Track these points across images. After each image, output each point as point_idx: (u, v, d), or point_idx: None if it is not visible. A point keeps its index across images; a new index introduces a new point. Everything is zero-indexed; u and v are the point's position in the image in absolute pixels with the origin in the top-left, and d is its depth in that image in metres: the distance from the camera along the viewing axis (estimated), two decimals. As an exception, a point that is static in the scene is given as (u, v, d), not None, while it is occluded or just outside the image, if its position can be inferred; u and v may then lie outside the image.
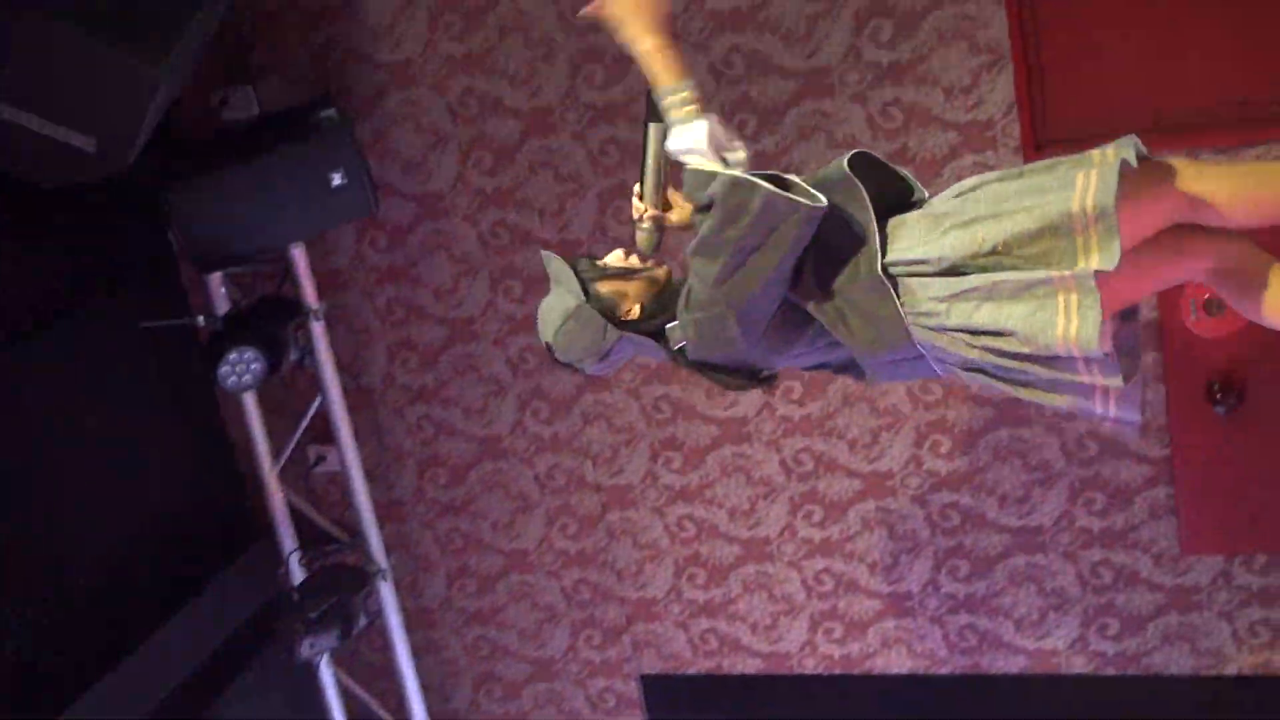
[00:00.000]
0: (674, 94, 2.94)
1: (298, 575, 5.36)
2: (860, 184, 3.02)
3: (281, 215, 4.69)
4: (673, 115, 2.94)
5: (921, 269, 2.99)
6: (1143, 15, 4.13)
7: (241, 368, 4.69)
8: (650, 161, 3.13)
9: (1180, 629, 4.77)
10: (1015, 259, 2.91)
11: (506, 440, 5.27)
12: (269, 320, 4.92)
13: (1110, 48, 4.20)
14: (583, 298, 3.19)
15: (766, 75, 4.51)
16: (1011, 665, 5.00)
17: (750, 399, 4.91)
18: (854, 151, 3.11)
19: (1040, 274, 2.86)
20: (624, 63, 4.63)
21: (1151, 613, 4.79)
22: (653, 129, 3.06)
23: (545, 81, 4.74)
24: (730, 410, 4.96)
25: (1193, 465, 4.52)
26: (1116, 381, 2.93)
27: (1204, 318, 4.28)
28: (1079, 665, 4.92)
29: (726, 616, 5.29)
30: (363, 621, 5.20)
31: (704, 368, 3.25)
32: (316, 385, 5.19)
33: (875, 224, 3.01)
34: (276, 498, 5.34)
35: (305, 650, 4.99)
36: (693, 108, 2.93)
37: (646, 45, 2.96)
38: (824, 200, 2.88)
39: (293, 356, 4.98)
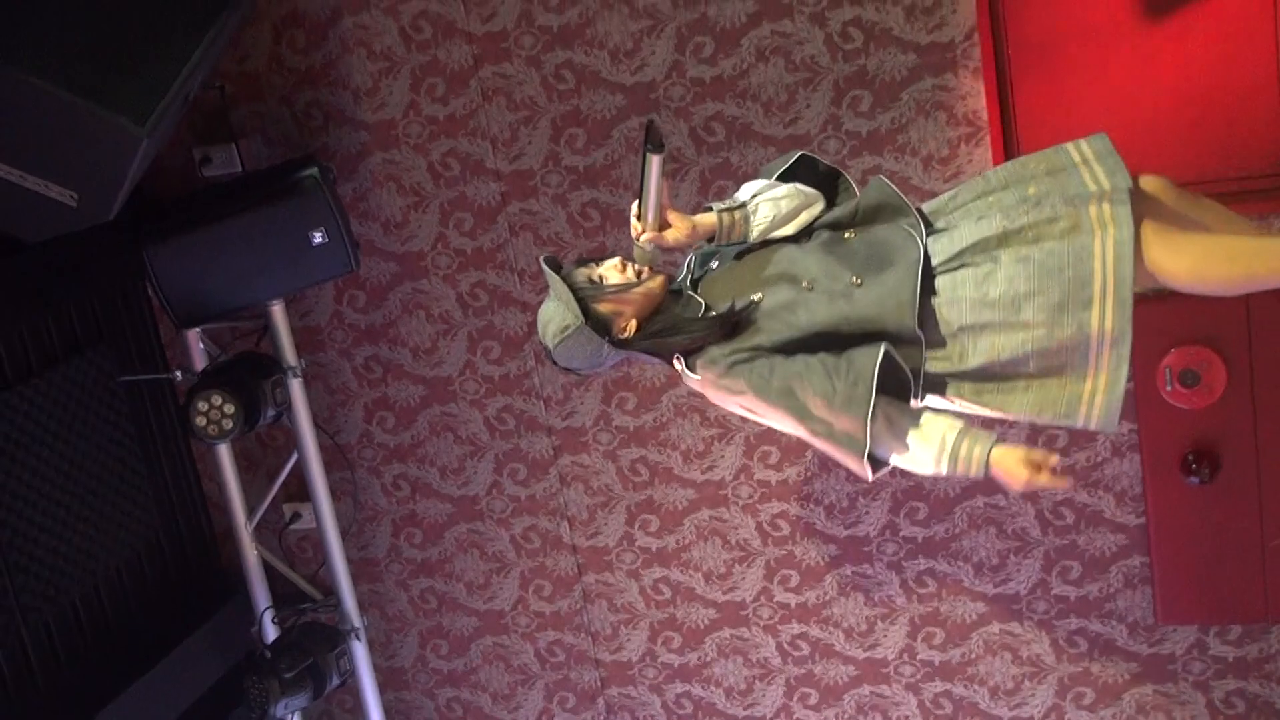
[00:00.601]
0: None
1: (271, 633, 5.33)
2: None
3: (261, 272, 4.70)
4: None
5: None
6: (1117, 89, 4.18)
7: (215, 414, 4.69)
8: (651, 187, 3.19)
9: (1155, 699, 4.76)
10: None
11: (483, 501, 5.26)
12: (246, 376, 4.91)
13: (1086, 121, 4.24)
14: (581, 318, 3.22)
15: (747, 142, 4.55)
16: (987, 733, 4.99)
17: (727, 463, 4.91)
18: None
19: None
20: (605, 127, 4.66)
21: (1127, 682, 4.78)
22: (653, 158, 3.12)
23: (527, 145, 4.77)
24: (708, 474, 4.96)
25: (1168, 535, 4.53)
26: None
27: (1180, 389, 4.30)
28: (1054, 734, 4.92)
29: (701, 680, 5.26)
30: (335, 681, 5.16)
31: None
32: (292, 442, 5.17)
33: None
34: (250, 555, 5.32)
35: (277, 710, 4.95)
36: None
37: None
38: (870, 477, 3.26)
39: (269, 413, 4.96)
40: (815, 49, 4.40)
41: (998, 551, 4.75)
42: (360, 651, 5.32)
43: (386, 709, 5.49)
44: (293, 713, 5.13)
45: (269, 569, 5.37)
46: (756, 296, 3.28)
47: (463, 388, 5.14)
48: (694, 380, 3.33)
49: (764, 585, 5.05)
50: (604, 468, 5.08)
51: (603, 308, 3.26)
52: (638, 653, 5.30)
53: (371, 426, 5.29)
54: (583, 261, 3.35)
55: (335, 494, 5.30)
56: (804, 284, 3.25)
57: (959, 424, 3.20)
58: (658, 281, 3.30)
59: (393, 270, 5.06)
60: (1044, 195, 3.24)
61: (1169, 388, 4.30)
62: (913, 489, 4.75)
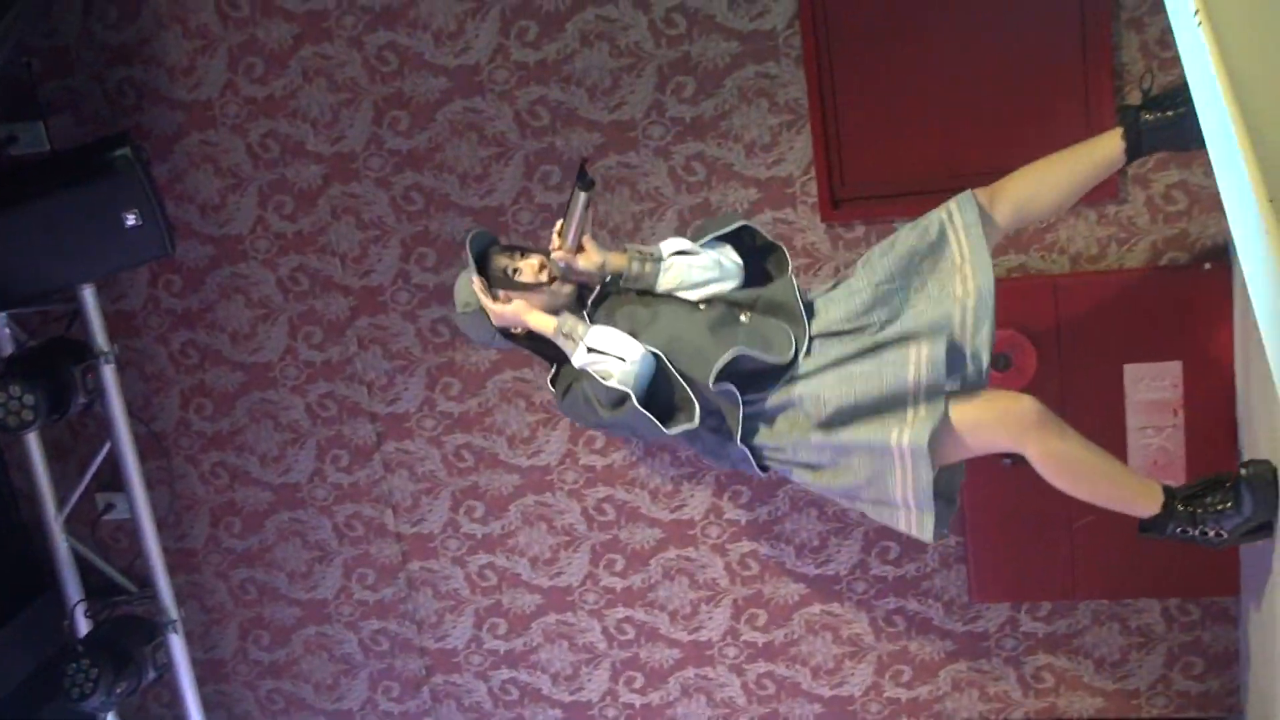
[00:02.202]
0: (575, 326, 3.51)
1: (83, 627, 5.18)
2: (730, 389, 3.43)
3: (71, 255, 4.56)
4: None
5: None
6: (935, 79, 4.27)
7: (15, 405, 4.53)
8: (575, 217, 3.45)
9: (970, 675, 4.89)
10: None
11: (305, 488, 5.18)
12: (54, 363, 4.75)
13: (905, 109, 4.32)
14: (478, 304, 3.58)
15: (571, 127, 4.54)
16: (808, 712, 5.06)
17: (553, 448, 4.91)
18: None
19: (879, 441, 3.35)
20: (428, 110, 4.62)
21: (943, 659, 4.90)
22: (580, 194, 3.40)
23: (349, 127, 4.70)
24: (533, 459, 4.95)
25: (981, 516, 4.64)
26: (928, 529, 3.44)
27: (993, 372, 4.40)
28: (874, 712, 5.01)
29: (528, 666, 5.26)
30: (151, 674, 5.06)
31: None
32: (105, 430, 5.02)
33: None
34: (61, 546, 5.16)
35: (90, 705, 4.82)
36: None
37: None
38: (675, 431, 3.42)
39: (80, 401, 4.81)
40: (640, 34, 4.41)
41: (818, 533, 4.83)
42: (177, 644, 5.20)
43: (205, 702, 5.37)
44: (107, 709, 4.99)
45: (81, 561, 5.21)
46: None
47: (283, 374, 5.05)
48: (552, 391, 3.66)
49: (590, 570, 5.06)
50: (428, 454, 5.04)
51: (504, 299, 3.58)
52: (463, 640, 5.27)
53: (188, 414, 5.17)
54: (509, 249, 3.62)
55: (151, 483, 5.16)
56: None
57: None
58: (564, 292, 3.58)
59: (210, 254, 4.95)
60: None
61: (983, 372, 4.41)
62: (736, 475, 4.81)
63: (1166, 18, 3.43)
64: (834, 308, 3.55)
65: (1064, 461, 3.48)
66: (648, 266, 3.54)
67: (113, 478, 5.13)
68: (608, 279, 3.62)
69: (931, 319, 3.40)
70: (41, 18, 4.63)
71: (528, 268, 3.56)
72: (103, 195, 4.46)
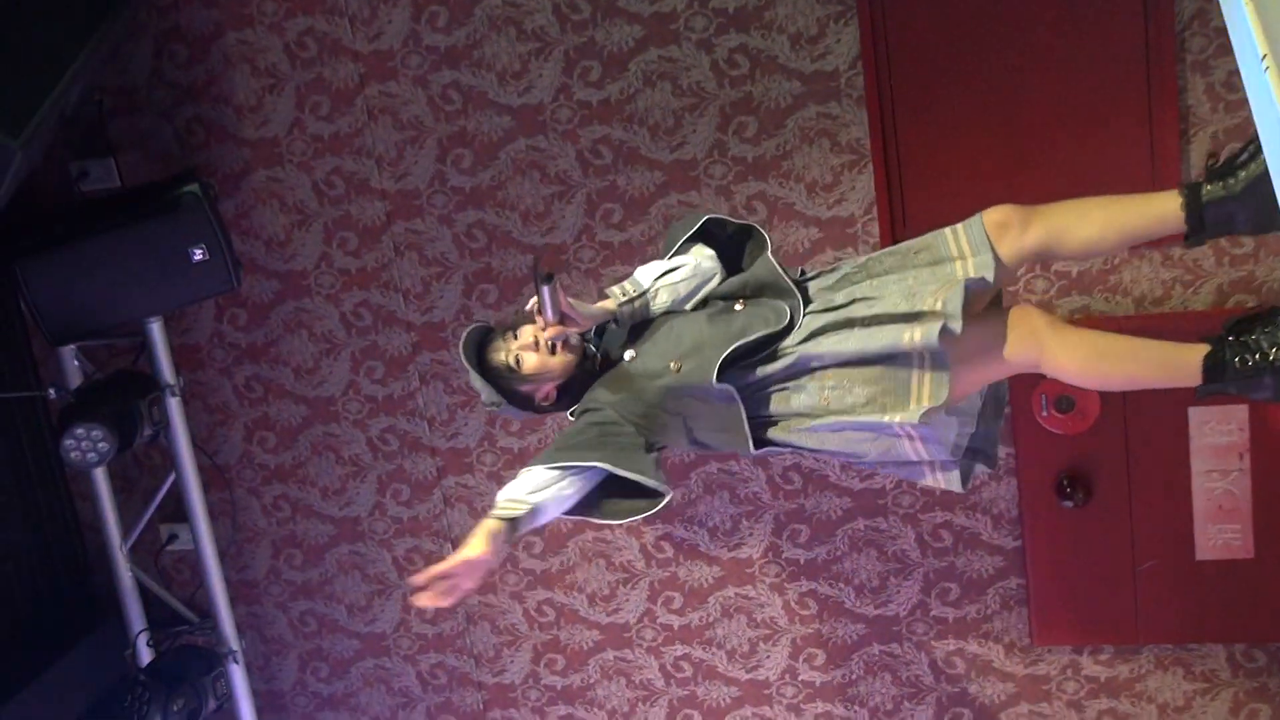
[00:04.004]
0: None
1: (145, 656, 5.23)
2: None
3: (140, 289, 4.61)
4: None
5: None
6: (998, 119, 4.25)
7: (88, 444, 4.58)
8: (548, 306, 3.40)
9: (1031, 718, 4.84)
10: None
11: (365, 522, 5.21)
12: (122, 395, 4.82)
13: (967, 150, 4.31)
14: (504, 401, 3.64)
15: (633, 165, 4.56)
16: (866, 753, 5.04)
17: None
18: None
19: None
20: (491, 149, 4.65)
21: (1003, 702, 4.86)
22: (545, 289, 3.36)
23: (413, 165, 4.74)
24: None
25: (1043, 558, 4.61)
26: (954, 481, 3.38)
27: (1055, 414, 4.38)
28: (932, 754, 4.98)
29: (584, 703, 5.25)
30: (212, 704, 5.09)
31: None
32: (170, 462, 5.08)
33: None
34: (125, 576, 5.21)
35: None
36: None
37: None
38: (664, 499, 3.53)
39: (146, 432, 4.87)
40: (702, 75, 4.43)
41: (878, 574, 4.81)
42: (238, 674, 5.24)
43: (264, 733, 5.42)
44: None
45: (144, 591, 5.27)
46: (629, 355, 3.56)
47: (345, 408, 5.09)
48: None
49: (647, 607, 5.06)
50: (489, 489, 5.05)
51: (523, 389, 3.61)
52: (520, 675, 5.28)
53: (252, 446, 5.22)
54: (502, 333, 3.62)
55: (214, 514, 5.21)
56: (672, 364, 3.46)
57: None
58: (569, 360, 3.57)
59: (275, 289, 5.00)
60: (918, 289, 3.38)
61: (1044, 413, 4.39)
62: (795, 512, 4.80)
63: (1233, 61, 3.42)
64: (823, 281, 3.59)
65: (1092, 350, 3.34)
66: (637, 303, 3.56)
67: (176, 509, 5.19)
68: (608, 325, 3.66)
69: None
70: (113, 57, 4.71)
71: (527, 351, 3.54)
72: (171, 230, 4.53)
